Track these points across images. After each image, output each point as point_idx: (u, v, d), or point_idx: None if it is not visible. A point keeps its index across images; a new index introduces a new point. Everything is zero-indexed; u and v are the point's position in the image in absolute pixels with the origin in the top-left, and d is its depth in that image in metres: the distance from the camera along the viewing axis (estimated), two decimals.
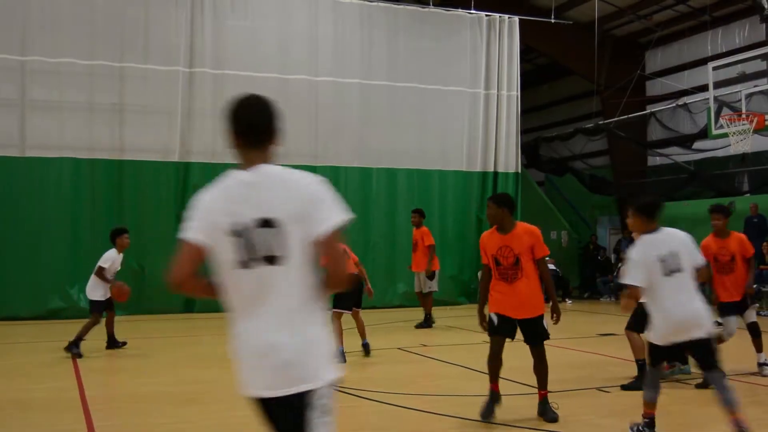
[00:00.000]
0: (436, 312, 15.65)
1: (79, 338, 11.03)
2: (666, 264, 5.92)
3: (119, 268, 11.68)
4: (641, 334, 8.36)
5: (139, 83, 17.34)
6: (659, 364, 6.36)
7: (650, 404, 6.33)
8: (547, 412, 6.92)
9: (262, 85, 18.27)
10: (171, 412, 7.43)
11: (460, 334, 13.70)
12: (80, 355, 10.72)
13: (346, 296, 10.47)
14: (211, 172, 17.74)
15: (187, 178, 17.71)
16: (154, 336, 13.18)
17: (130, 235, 16.60)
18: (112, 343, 11.60)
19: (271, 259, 3.03)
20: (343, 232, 3.05)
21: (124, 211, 17.13)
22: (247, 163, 3.20)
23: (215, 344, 12.41)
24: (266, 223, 3.03)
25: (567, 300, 20.50)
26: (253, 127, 3.23)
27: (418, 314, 15.37)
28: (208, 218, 3.14)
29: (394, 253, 19.29)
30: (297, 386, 3.01)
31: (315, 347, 3.08)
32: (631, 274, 5.92)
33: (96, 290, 11.43)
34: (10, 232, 16.23)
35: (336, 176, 18.93)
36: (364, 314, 13.58)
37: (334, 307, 10.60)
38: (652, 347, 6.19)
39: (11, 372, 9.77)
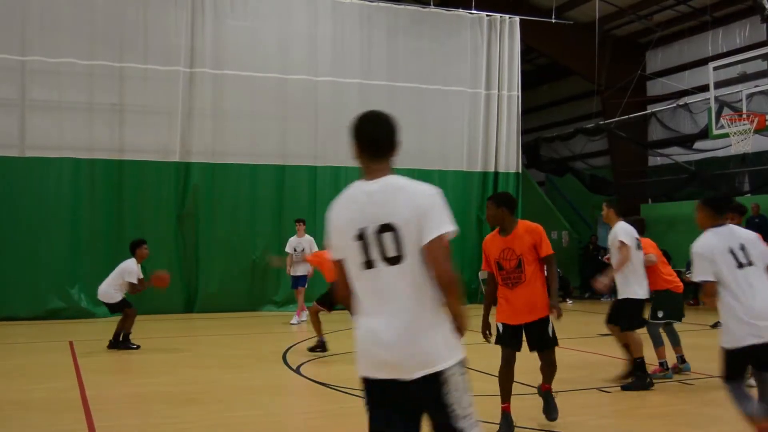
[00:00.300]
0: None
1: (128, 334, 11.62)
2: (737, 256, 5.48)
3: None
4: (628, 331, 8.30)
5: (139, 83, 17.33)
6: (740, 374, 5.53)
7: (760, 418, 5.30)
8: (550, 410, 6.75)
9: (262, 86, 18.32)
10: (171, 412, 7.42)
11: (465, 335, 13.67)
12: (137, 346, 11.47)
13: (330, 296, 11.03)
14: (211, 172, 17.79)
15: (187, 178, 17.69)
16: (155, 336, 13.16)
17: (130, 235, 16.69)
18: (117, 343, 11.61)
19: (390, 260, 3.38)
20: (448, 241, 3.39)
21: (124, 212, 17.13)
22: (369, 174, 3.54)
23: (215, 344, 12.42)
24: (385, 228, 3.39)
25: (568, 300, 20.50)
26: (374, 141, 3.55)
27: None
28: (338, 231, 3.58)
29: None
30: (422, 370, 3.34)
31: (432, 335, 3.39)
32: (700, 270, 5.45)
33: (116, 295, 11.75)
34: (9, 233, 16.21)
35: (336, 176, 18.93)
36: None
37: (317, 301, 11.25)
38: (729, 355, 5.42)
39: (11, 372, 9.76)
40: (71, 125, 16.82)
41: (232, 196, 18.01)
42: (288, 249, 15.76)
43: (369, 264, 3.43)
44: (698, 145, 20.23)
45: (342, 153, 19.03)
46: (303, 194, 18.64)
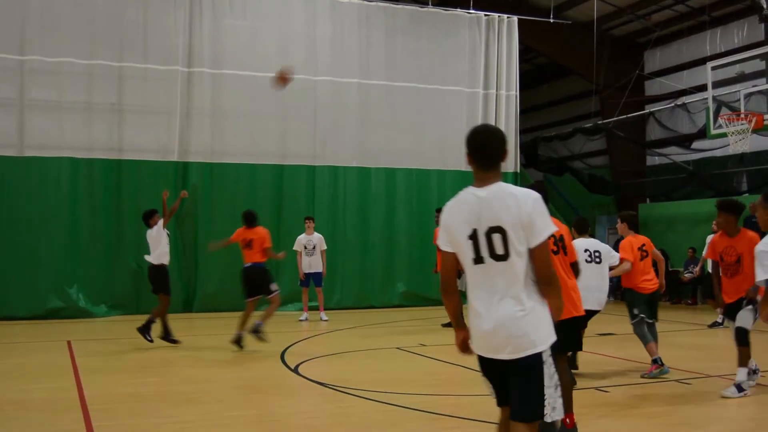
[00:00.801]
0: (434, 312, 15.62)
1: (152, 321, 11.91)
2: None
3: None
4: None
5: (137, 83, 17.32)
6: None
7: None
8: None
9: (261, 85, 18.24)
10: (170, 411, 7.42)
11: None
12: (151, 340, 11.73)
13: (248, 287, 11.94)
14: (210, 171, 17.80)
15: (186, 178, 17.69)
16: (153, 335, 13.15)
17: (129, 235, 16.74)
18: (167, 335, 12.06)
19: (498, 257, 3.89)
20: (547, 242, 3.95)
21: (123, 211, 17.12)
22: (480, 181, 4.01)
23: (214, 344, 12.43)
24: (494, 230, 3.88)
25: None
26: (485, 153, 4.03)
27: (418, 313, 15.34)
28: (451, 229, 4.04)
29: (392, 253, 19.29)
30: (524, 351, 3.87)
31: (533, 321, 3.90)
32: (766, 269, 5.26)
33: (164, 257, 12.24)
34: (8, 232, 16.21)
35: (335, 176, 18.95)
36: (363, 314, 13.56)
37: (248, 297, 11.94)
38: None
39: (10, 372, 9.77)
40: (70, 125, 16.82)
41: (230, 196, 18.00)
42: (297, 247, 15.90)
43: (480, 260, 3.94)
44: (696, 144, 20.26)
45: (341, 153, 19.06)
46: (302, 194, 18.65)
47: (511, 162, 21.10)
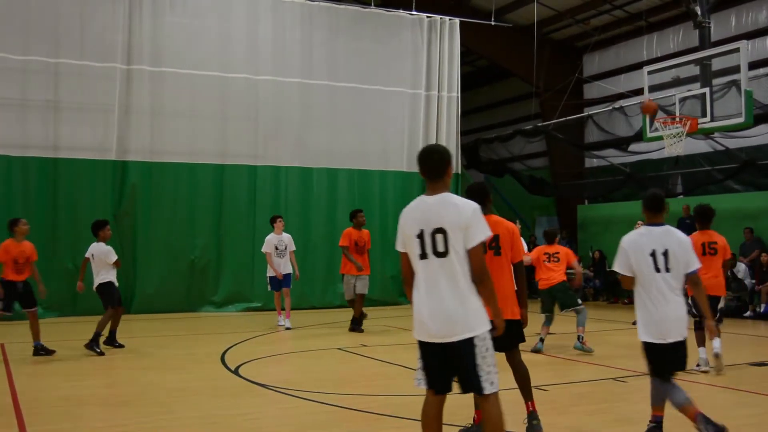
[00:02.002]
0: (375, 312, 15.62)
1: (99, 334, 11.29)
2: None
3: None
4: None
5: (74, 80, 16.99)
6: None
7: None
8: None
9: (202, 84, 18.14)
10: (106, 415, 7.30)
11: (400, 334, 13.74)
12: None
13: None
14: (149, 170, 17.54)
15: (124, 177, 17.42)
16: (89, 338, 12.92)
17: (65, 235, 16.36)
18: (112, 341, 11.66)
19: (439, 254, 4.61)
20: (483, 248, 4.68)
21: (59, 211, 16.79)
22: (429, 190, 4.79)
23: (153, 346, 12.25)
24: (438, 231, 4.61)
25: None
26: (433, 168, 4.84)
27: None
28: (404, 230, 4.79)
29: (334, 254, 19.19)
30: (458, 336, 4.58)
31: (467, 310, 4.60)
32: None
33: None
34: None
35: (276, 176, 18.84)
36: (304, 314, 13.45)
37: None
38: None
39: None
40: (4, 122, 16.42)
41: (170, 195, 17.78)
42: (267, 248, 14.70)
43: (424, 256, 4.65)
44: (633, 147, 20.63)
45: (282, 152, 18.95)
46: (243, 194, 18.51)
47: (453, 163, 21.21)
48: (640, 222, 15.93)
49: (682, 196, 20.45)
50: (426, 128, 20.79)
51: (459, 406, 6.37)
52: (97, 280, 11.64)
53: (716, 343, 9.46)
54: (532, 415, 6.41)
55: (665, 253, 5.87)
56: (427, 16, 20.96)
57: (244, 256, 18.31)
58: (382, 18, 20.57)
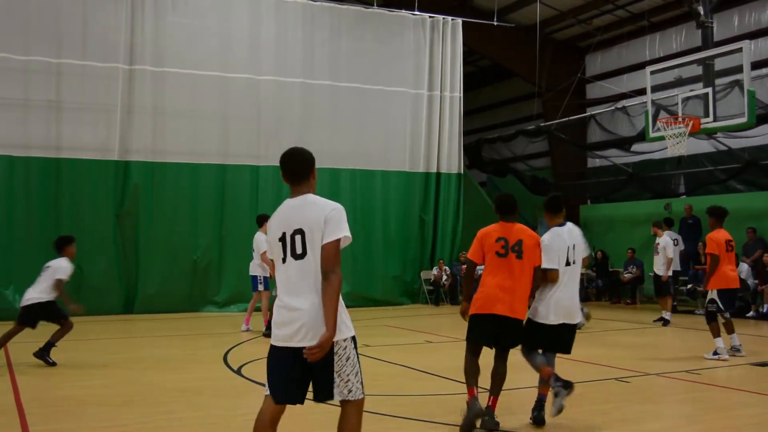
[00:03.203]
0: (378, 312, 15.64)
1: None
2: None
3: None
4: None
5: (77, 80, 17.00)
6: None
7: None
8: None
9: (204, 84, 18.14)
10: (108, 414, 7.29)
11: (402, 334, 13.73)
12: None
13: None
14: (151, 170, 17.54)
15: (126, 177, 17.42)
16: (91, 338, 12.92)
17: (67, 234, 16.25)
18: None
19: (297, 256, 4.46)
20: (339, 246, 4.43)
21: (61, 211, 16.81)
22: (292, 193, 4.66)
23: (155, 346, 12.26)
24: (297, 232, 4.47)
25: None
26: (294, 172, 4.72)
27: (362, 314, 15.33)
28: (269, 236, 4.68)
29: None
30: (313, 340, 4.29)
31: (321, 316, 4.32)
32: None
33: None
34: None
35: (278, 176, 18.70)
36: None
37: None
38: None
39: None
40: (6, 122, 16.44)
41: (172, 195, 17.79)
42: (265, 247, 14.19)
43: (285, 259, 4.50)
44: (635, 147, 20.61)
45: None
46: (245, 194, 18.51)
47: (455, 163, 21.25)
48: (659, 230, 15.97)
49: (684, 196, 20.43)
50: (428, 128, 20.79)
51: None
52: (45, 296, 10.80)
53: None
54: (489, 411, 6.68)
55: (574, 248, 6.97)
56: (430, 16, 20.95)
57: (246, 256, 18.22)
58: (385, 18, 20.57)
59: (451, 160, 21.19)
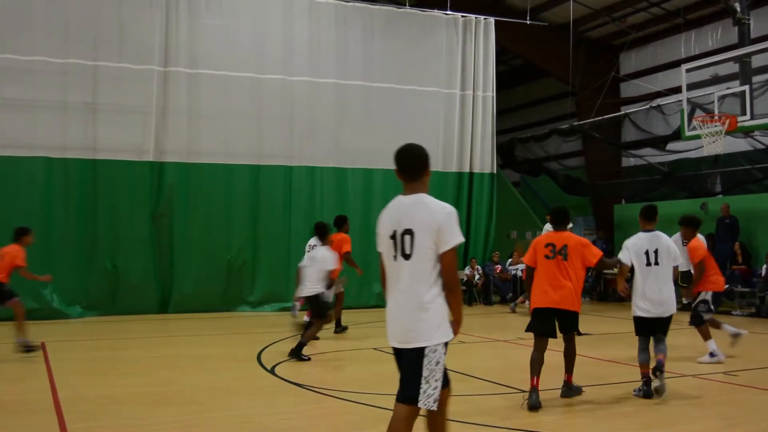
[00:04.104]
0: None
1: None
2: None
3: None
4: None
5: (113, 82, 17.18)
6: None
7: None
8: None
9: (238, 85, 18.26)
10: (145, 413, 7.38)
11: None
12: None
13: None
14: (186, 171, 17.69)
15: (161, 178, 17.58)
16: (128, 336, 13.07)
17: (104, 235, 16.48)
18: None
19: (406, 256, 4.46)
20: (455, 252, 4.44)
21: (98, 211, 17.00)
22: (406, 191, 4.62)
23: (190, 345, 12.37)
24: (407, 232, 4.46)
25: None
26: (408, 168, 4.64)
27: None
28: (379, 230, 4.68)
29: (370, 254, 19.21)
30: (411, 343, 4.44)
31: (426, 318, 4.42)
32: None
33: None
34: None
35: (311, 177, 18.91)
36: (344, 314, 13.53)
37: None
38: None
39: None
40: (44, 124, 16.66)
41: (206, 196, 17.93)
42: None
43: (395, 257, 4.52)
44: (671, 146, 20.41)
45: (317, 153, 19.01)
46: (278, 194, 18.59)
47: (488, 163, 21.18)
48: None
49: (721, 196, 20.17)
50: (461, 128, 20.75)
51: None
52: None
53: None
54: (566, 384, 7.94)
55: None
56: (462, 16, 20.90)
57: (279, 256, 18.41)
58: (417, 18, 20.56)
59: (484, 159, 21.12)
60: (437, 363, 4.43)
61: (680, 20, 21.33)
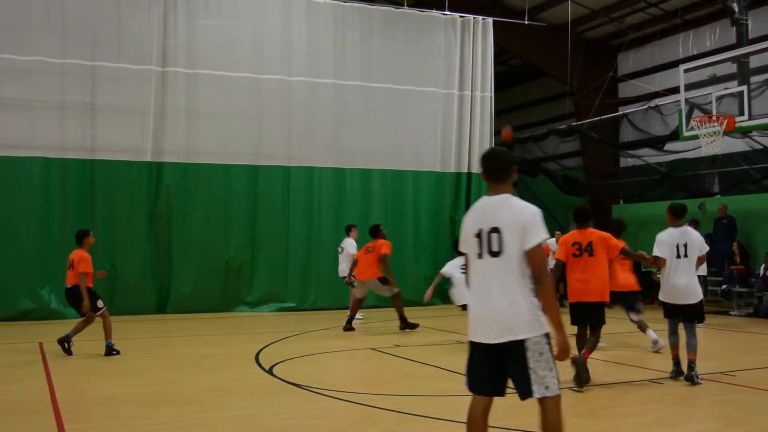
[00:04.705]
0: (409, 312, 15.64)
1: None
2: None
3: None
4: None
5: (111, 82, 17.18)
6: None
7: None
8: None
9: (236, 85, 18.26)
10: (143, 413, 7.37)
11: (433, 335, 13.72)
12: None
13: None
14: (184, 171, 17.69)
15: (160, 178, 17.58)
16: (127, 337, 13.04)
17: (102, 235, 16.46)
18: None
19: (493, 253, 4.65)
20: (542, 249, 4.62)
21: (96, 212, 17.00)
22: (491, 191, 4.83)
23: (188, 345, 12.36)
24: (493, 230, 4.66)
25: None
26: (497, 169, 4.85)
27: (394, 314, 15.33)
28: (465, 229, 4.86)
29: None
30: (508, 337, 4.57)
31: (520, 311, 4.57)
32: None
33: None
34: None
35: (310, 177, 18.90)
36: (338, 314, 13.51)
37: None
38: None
39: None
40: (42, 124, 16.66)
41: (205, 196, 17.93)
42: (353, 250, 15.87)
43: (480, 255, 4.70)
44: (669, 146, 20.42)
45: (316, 153, 19.01)
46: (277, 194, 18.59)
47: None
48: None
49: (719, 196, 20.19)
50: (459, 128, 20.74)
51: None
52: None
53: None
54: (583, 359, 8.56)
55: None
56: (460, 16, 20.90)
57: (278, 256, 18.42)
58: (415, 18, 20.56)
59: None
60: (541, 354, 4.55)
61: (678, 20, 21.34)
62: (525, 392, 4.59)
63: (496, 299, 4.61)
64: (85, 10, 17.03)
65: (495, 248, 4.63)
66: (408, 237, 19.80)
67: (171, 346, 12.32)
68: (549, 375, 4.57)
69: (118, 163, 17.20)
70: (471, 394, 4.83)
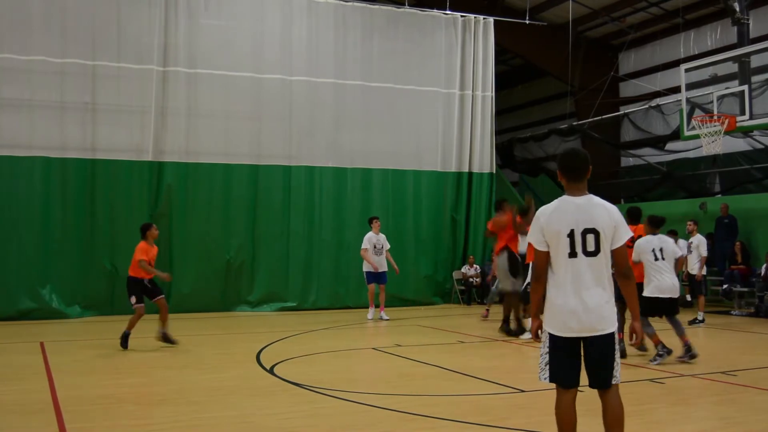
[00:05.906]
0: (409, 312, 15.69)
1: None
2: None
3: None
4: None
5: (111, 82, 17.18)
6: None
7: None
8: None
9: (237, 85, 18.26)
10: (143, 413, 7.37)
11: (435, 334, 13.71)
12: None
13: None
14: (185, 171, 17.69)
15: (160, 178, 17.57)
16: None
17: (102, 235, 16.50)
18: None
19: (589, 253, 4.87)
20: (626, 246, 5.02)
21: (97, 211, 16.99)
22: (573, 191, 5.01)
23: (188, 345, 12.36)
24: (589, 231, 4.88)
25: None
26: (575, 170, 5.01)
27: (394, 314, 15.39)
28: (551, 229, 4.93)
29: None
30: (603, 330, 4.86)
31: (610, 306, 4.90)
32: None
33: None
34: None
35: (310, 176, 18.89)
36: (339, 314, 13.49)
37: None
38: None
39: None
40: (43, 124, 16.64)
41: (205, 195, 17.92)
42: (366, 245, 16.12)
43: (573, 254, 4.87)
44: (670, 146, 20.42)
45: (316, 153, 19.01)
46: (277, 194, 18.59)
47: (487, 163, 21.17)
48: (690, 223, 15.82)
49: (720, 195, 20.18)
50: (460, 128, 20.74)
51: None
52: None
53: None
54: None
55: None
56: (461, 16, 20.90)
57: (278, 255, 18.41)
58: (416, 18, 20.55)
59: (483, 159, 21.10)
60: (617, 345, 4.94)
61: (679, 20, 21.35)
62: (606, 381, 4.89)
63: (589, 296, 4.83)
64: (86, 9, 17.02)
65: (591, 248, 4.86)
66: (409, 236, 19.79)
67: (171, 346, 12.30)
68: (619, 364, 4.95)
69: (118, 163, 17.20)
70: (557, 388, 5.01)
